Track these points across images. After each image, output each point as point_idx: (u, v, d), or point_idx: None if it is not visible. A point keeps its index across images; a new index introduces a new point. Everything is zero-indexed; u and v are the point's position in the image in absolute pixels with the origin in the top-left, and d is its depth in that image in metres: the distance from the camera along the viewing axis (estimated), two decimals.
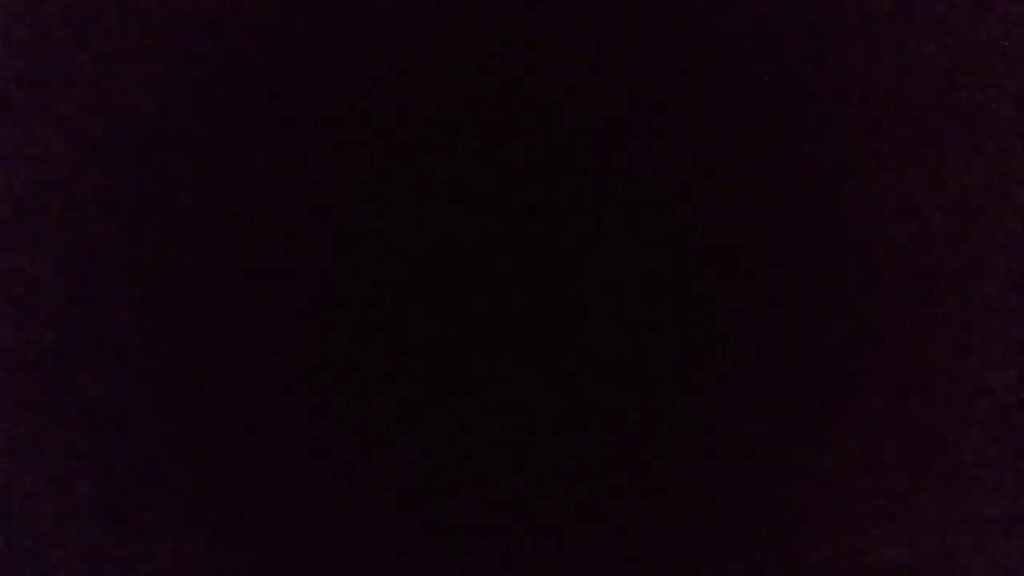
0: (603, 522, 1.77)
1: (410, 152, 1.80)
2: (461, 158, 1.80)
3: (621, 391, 1.77)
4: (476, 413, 1.78)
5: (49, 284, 1.79)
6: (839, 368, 1.77)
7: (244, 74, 1.81)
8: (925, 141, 1.80)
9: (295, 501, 1.77)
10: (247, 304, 1.79)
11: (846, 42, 1.80)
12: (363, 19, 1.81)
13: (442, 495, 1.77)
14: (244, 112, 1.81)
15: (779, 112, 1.80)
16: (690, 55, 1.80)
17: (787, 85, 1.80)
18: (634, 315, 1.78)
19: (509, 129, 1.80)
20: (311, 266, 1.79)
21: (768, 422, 1.77)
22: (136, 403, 1.78)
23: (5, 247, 1.80)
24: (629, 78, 1.80)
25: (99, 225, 1.80)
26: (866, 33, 1.81)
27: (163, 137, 1.80)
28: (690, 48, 1.80)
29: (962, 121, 1.80)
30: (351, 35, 1.81)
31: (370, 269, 1.79)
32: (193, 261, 1.79)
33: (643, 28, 1.80)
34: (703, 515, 1.76)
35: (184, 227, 1.80)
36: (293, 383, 1.78)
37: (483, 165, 1.80)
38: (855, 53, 1.80)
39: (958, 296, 1.78)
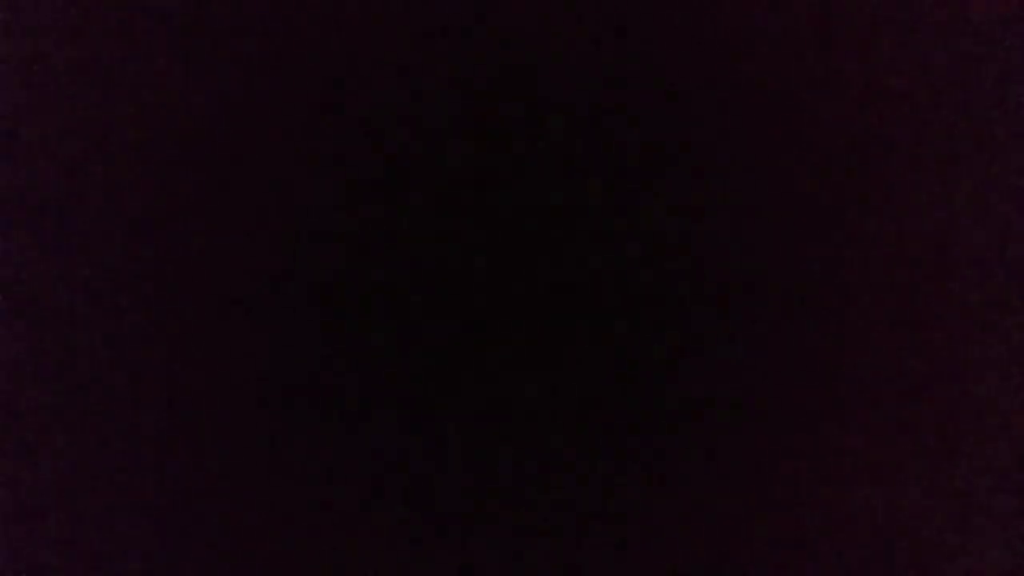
0: (601, 522, 1.77)
1: (411, 152, 1.80)
2: (461, 157, 1.80)
3: (619, 390, 1.77)
4: (475, 412, 1.78)
5: (50, 284, 1.79)
6: (839, 368, 1.77)
7: (247, 74, 1.81)
8: (926, 140, 1.80)
9: (296, 502, 1.77)
10: (247, 303, 1.79)
11: (846, 42, 1.80)
12: (365, 19, 1.81)
13: (440, 495, 1.77)
14: (246, 112, 1.81)
15: (779, 112, 1.79)
16: (690, 54, 1.80)
17: (787, 86, 1.80)
18: (632, 315, 1.78)
19: (509, 130, 1.80)
20: (311, 267, 1.79)
21: (766, 423, 1.77)
22: (137, 403, 1.78)
23: (5, 247, 1.79)
24: (629, 77, 1.80)
25: (101, 225, 1.80)
26: (866, 33, 1.80)
27: (164, 137, 1.80)
28: (690, 47, 1.80)
29: (963, 121, 1.80)
30: (355, 35, 1.81)
31: (370, 269, 1.79)
32: (192, 261, 1.79)
33: (643, 28, 1.80)
34: (701, 515, 1.76)
35: (183, 227, 1.80)
36: (294, 384, 1.78)
37: (482, 164, 1.80)
38: (855, 53, 1.80)
39: (958, 297, 1.78)
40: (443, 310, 1.79)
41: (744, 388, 1.77)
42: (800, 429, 1.76)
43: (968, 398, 1.76)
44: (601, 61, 1.80)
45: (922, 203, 1.78)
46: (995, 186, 1.78)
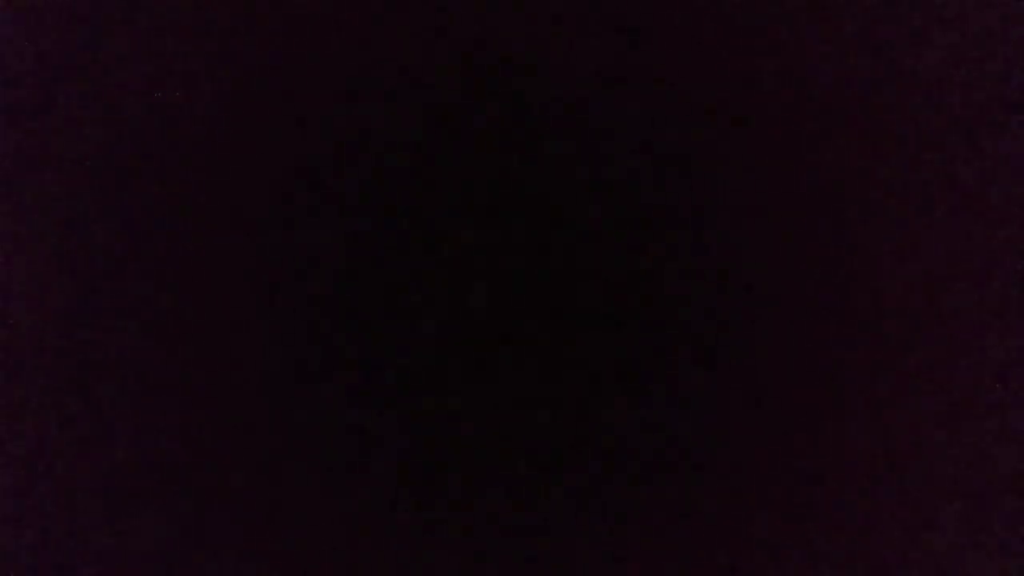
0: (600, 521, 1.77)
1: (411, 153, 1.80)
2: (460, 158, 1.80)
3: (619, 390, 1.78)
4: (475, 413, 1.78)
5: (51, 285, 1.79)
6: (839, 368, 1.77)
7: (246, 75, 1.81)
8: (926, 141, 1.80)
9: (295, 502, 1.77)
10: (246, 303, 1.79)
11: (846, 43, 1.80)
12: (364, 19, 1.81)
13: (440, 494, 1.77)
14: (245, 113, 1.81)
15: (779, 112, 1.80)
16: (690, 55, 1.80)
17: (787, 86, 1.80)
18: (632, 314, 1.78)
19: (509, 131, 1.80)
20: (310, 268, 1.79)
21: (766, 423, 1.77)
22: (137, 404, 1.78)
23: (6, 247, 1.80)
24: (628, 78, 1.80)
25: (102, 225, 1.80)
26: (866, 33, 1.81)
27: (166, 138, 1.81)
28: (689, 48, 1.80)
29: (962, 122, 1.80)
30: (354, 35, 1.81)
31: (368, 269, 1.79)
32: (192, 261, 1.79)
33: (642, 29, 1.81)
34: (701, 515, 1.76)
35: (183, 227, 1.80)
36: (293, 384, 1.78)
37: (482, 164, 1.80)
38: (855, 53, 1.80)
39: (959, 297, 1.78)
40: (443, 310, 1.79)
41: (744, 388, 1.77)
42: (800, 429, 1.76)
43: (968, 398, 1.76)
44: (601, 61, 1.80)
45: (922, 203, 1.78)
46: (996, 186, 1.78)
